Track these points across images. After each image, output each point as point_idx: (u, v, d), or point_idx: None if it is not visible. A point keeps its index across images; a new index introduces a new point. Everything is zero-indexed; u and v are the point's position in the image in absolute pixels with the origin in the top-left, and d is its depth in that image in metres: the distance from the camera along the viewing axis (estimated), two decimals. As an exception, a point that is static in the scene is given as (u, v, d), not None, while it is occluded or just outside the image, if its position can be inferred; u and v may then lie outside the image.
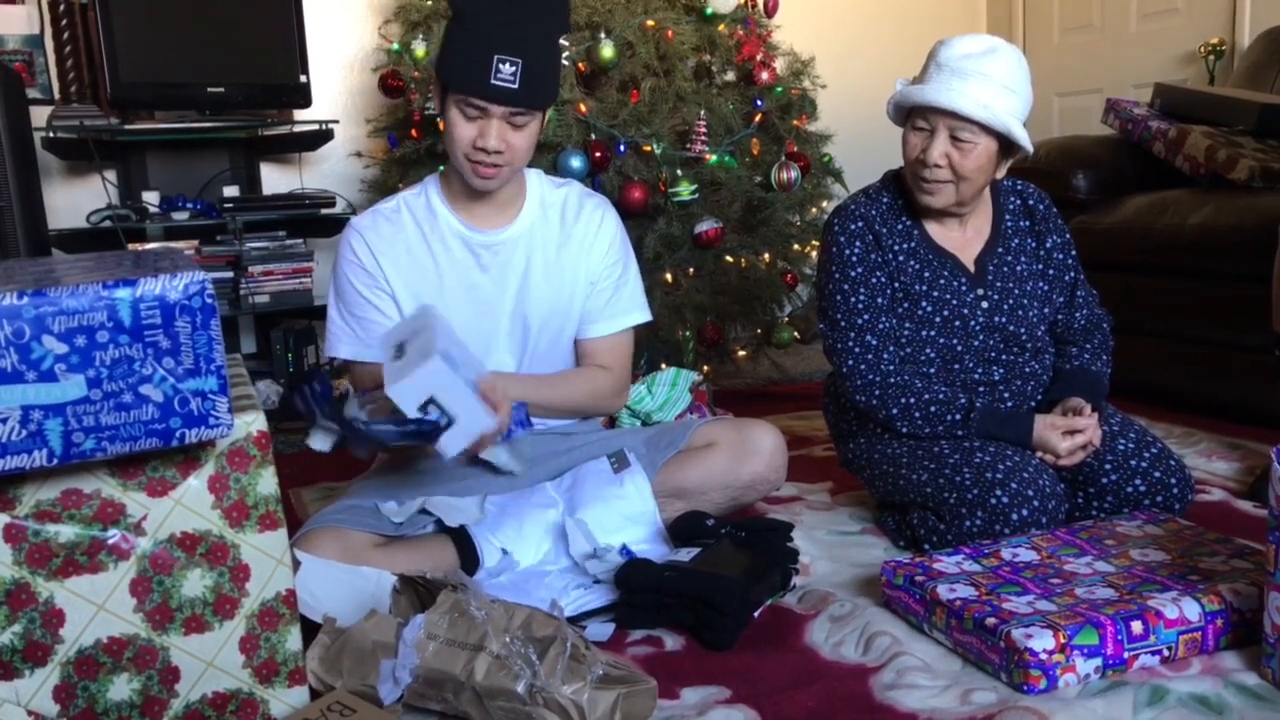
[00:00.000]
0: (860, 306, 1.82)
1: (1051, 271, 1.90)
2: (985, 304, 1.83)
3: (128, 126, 2.98)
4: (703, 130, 2.81)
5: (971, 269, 1.85)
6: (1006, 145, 1.76)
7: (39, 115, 3.00)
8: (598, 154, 2.68)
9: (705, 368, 2.98)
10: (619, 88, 2.83)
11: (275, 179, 3.48)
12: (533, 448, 1.82)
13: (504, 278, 1.75)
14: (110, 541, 1.03)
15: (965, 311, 1.82)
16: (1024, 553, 1.54)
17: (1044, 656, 1.26)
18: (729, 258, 2.93)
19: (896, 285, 1.83)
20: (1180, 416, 2.55)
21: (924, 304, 1.82)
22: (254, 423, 1.08)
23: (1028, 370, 1.85)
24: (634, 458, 1.76)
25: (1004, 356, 1.84)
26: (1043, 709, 1.23)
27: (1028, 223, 1.92)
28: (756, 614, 1.53)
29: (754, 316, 3.07)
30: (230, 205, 3.07)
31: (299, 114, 3.31)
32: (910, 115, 1.78)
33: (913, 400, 1.78)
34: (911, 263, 1.84)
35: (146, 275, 0.95)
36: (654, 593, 1.49)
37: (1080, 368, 1.87)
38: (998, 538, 1.63)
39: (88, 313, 0.92)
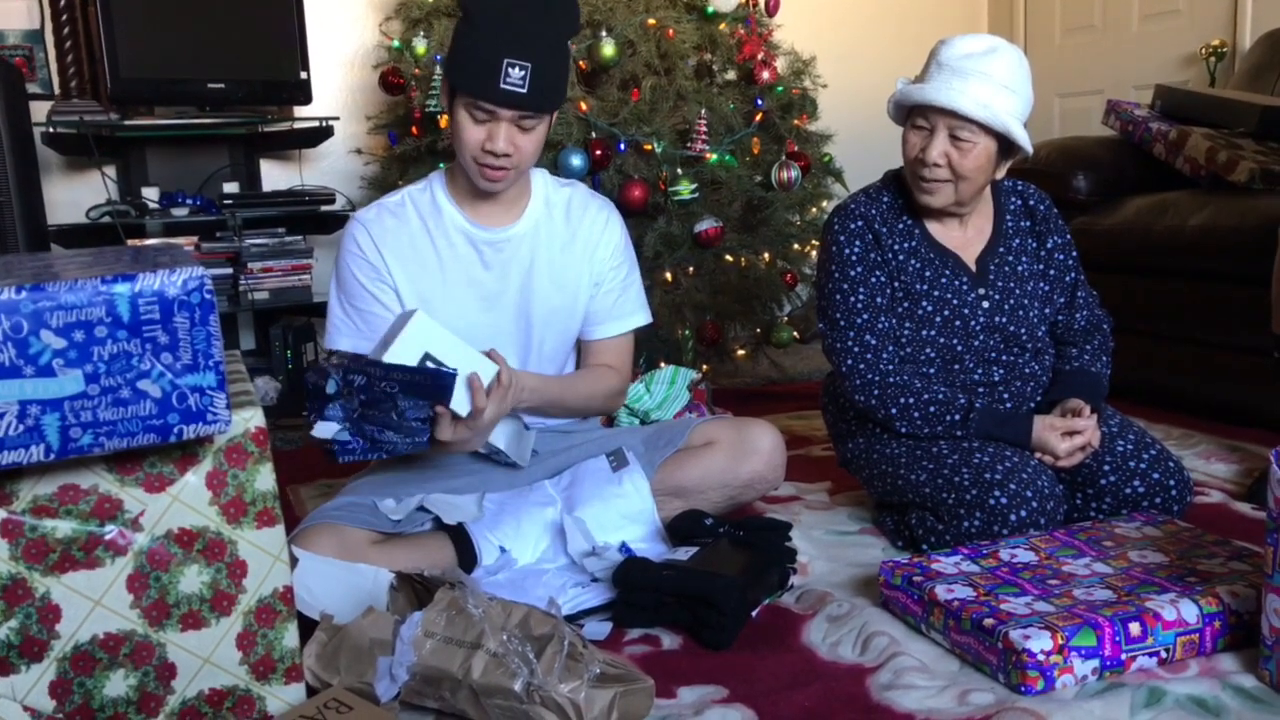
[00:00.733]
0: (859, 306, 1.82)
1: (1052, 272, 1.90)
2: (986, 304, 1.83)
3: (127, 122, 2.98)
4: (703, 129, 2.80)
5: (972, 268, 1.85)
6: (1006, 145, 1.75)
7: (39, 110, 3.00)
8: (598, 152, 2.68)
9: (704, 366, 2.98)
10: (620, 86, 2.83)
11: (275, 175, 3.48)
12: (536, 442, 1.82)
13: (507, 275, 1.75)
14: (107, 537, 1.03)
15: (966, 311, 1.82)
16: (1022, 554, 1.54)
17: (1042, 658, 1.26)
18: (729, 257, 2.93)
19: (897, 285, 1.83)
20: (1179, 418, 2.55)
21: (924, 303, 1.82)
22: (252, 419, 1.07)
23: (1027, 371, 1.85)
24: (633, 456, 1.76)
25: (1004, 357, 1.84)
26: (1040, 710, 1.23)
27: (1028, 223, 1.92)
28: (754, 613, 1.53)
29: (753, 316, 3.07)
30: (230, 202, 3.07)
31: (299, 110, 3.32)
32: (910, 114, 1.78)
33: (912, 400, 1.78)
34: (912, 262, 1.83)
35: (145, 270, 0.95)
36: (652, 591, 1.49)
37: (1080, 369, 1.87)
38: (996, 538, 1.63)
39: (86, 308, 0.92)
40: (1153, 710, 1.23)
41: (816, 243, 3.08)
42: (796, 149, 2.99)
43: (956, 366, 1.83)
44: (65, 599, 1.02)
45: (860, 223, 1.85)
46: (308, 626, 1.27)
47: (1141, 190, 2.82)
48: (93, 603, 1.03)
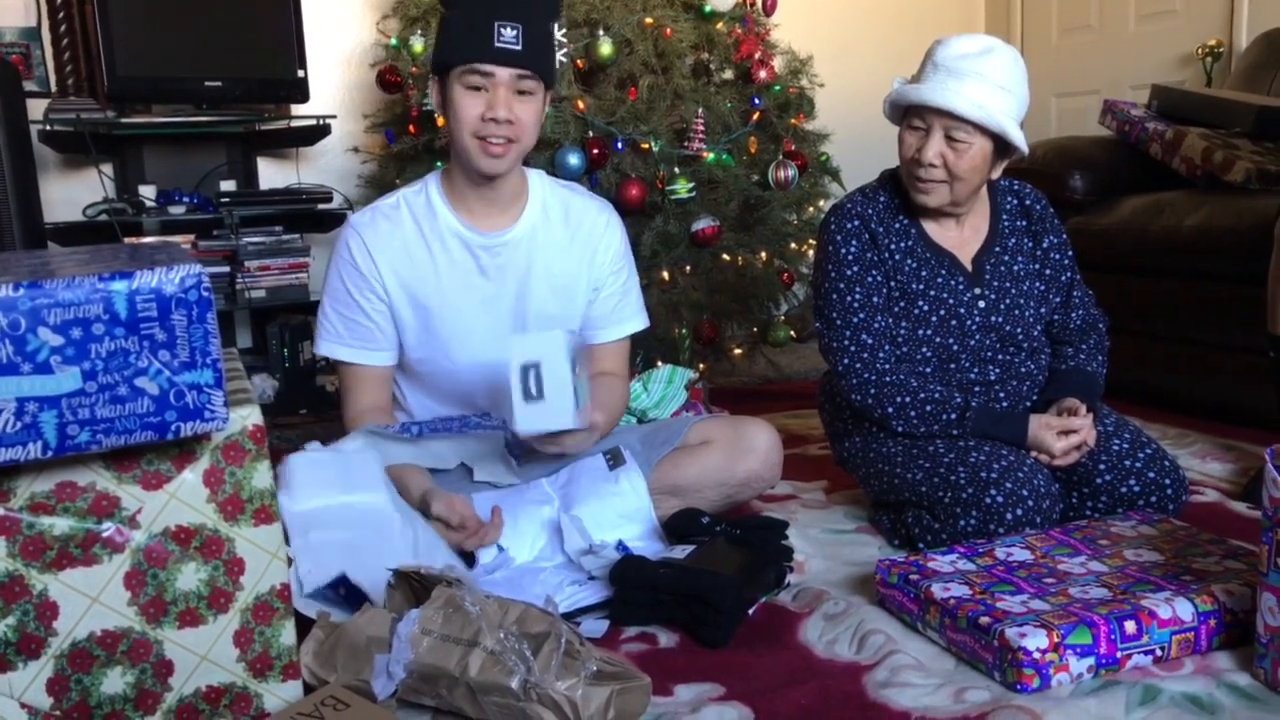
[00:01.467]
0: (856, 305, 1.82)
1: (1048, 271, 1.90)
2: (982, 303, 1.83)
3: (124, 120, 2.98)
4: (700, 128, 2.81)
5: (969, 268, 1.85)
6: (1002, 146, 1.76)
7: (36, 108, 2.99)
8: (595, 151, 2.68)
9: (701, 365, 2.98)
10: (617, 85, 2.83)
11: (272, 174, 3.47)
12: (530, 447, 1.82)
13: (504, 279, 1.75)
14: (105, 534, 1.03)
15: (962, 310, 1.82)
16: (1018, 552, 1.54)
17: (1037, 655, 1.26)
18: (726, 256, 2.93)
19: (893, 284, 1.83)
20: (1175, 417, 2.55)
21: (920, 303, 1.82)
22: (249, 416, 1.08)
23: (1023, 370, 1.86)
24: (629, 455, 1.76)
25: (1000, 356, 1.85)
26: (1036, 708, 1.23)
27: (1024, 222, 1.92)
28: (751, 612, 1.54)
29: (750, 315, 3.07)
30: (227, 200, 3.07)
31: (296, 109, 3.31)
32: (906, 114, 1.78)
33: (908, 399, 1.78)
34: (909, 261, 1.84)
35: (143, 268, 0.95)
36: (649, 589, 1.49)
37: (1076, 368, 1.87)
38: (992, 537, 1.63)
39: (84, 305, 0.92)
40: (1148, 708, 1.23)
41: (814, 242, 3.08)
42: (793, 148, 2.99)
43: (952, 366, 1.84)
44: (63, 596, 1.02)
45: (857, 222, 1.85)
46: (305, 625, 1.27)
47: (1138, 190, 2.82)
48: (90, 600, 1.03)
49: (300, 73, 3.16)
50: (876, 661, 1.38)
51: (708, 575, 1.48)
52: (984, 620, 1.32)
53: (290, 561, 1.46)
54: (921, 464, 1.76)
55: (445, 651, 1.20)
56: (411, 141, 2.95)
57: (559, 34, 2.65)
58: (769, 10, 3.08)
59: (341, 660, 1.22)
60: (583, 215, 1.81)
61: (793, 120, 3.05)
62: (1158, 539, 1.57)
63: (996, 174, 1.81)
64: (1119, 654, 1.30)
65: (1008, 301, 1.85)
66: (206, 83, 3.03)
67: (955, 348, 1.83)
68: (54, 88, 3.14)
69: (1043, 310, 1.90)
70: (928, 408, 1.78)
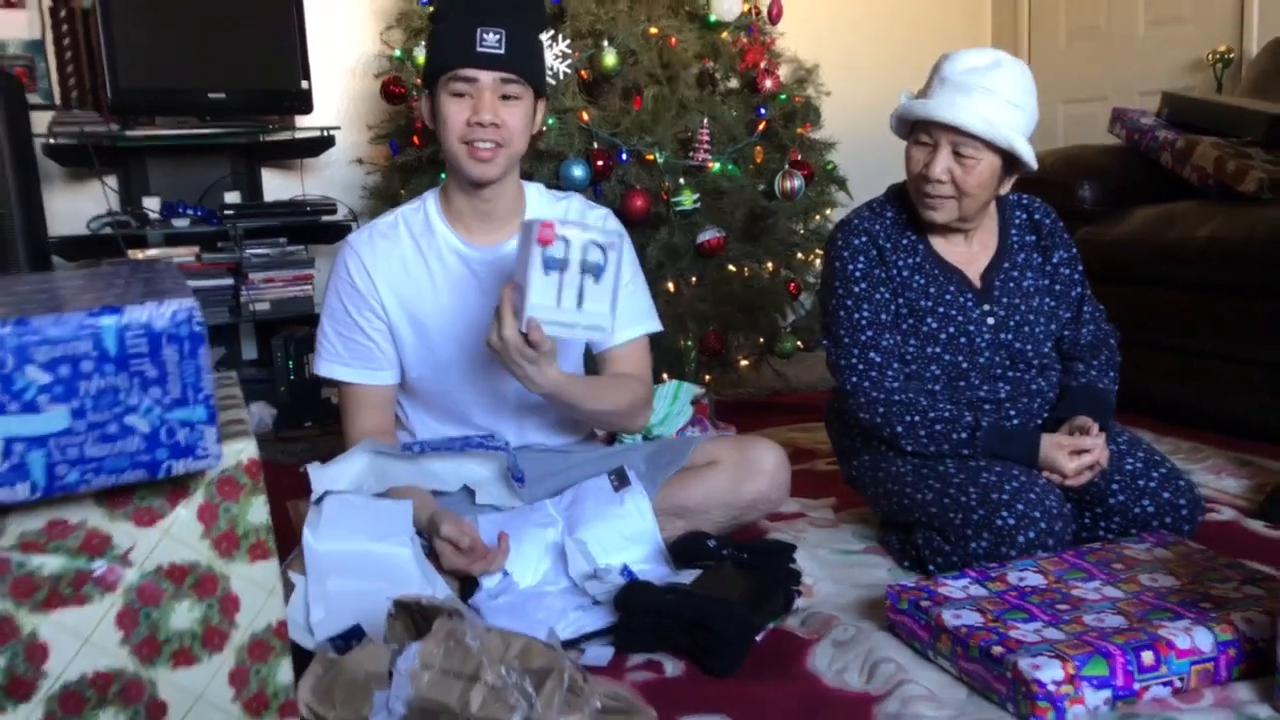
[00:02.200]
0: (864, 323, 1.80)
1: (1058, 287, 1.87)
2: (991, 320, 1.81)
3: (128, 133, 2.97)
4: (706, 139, 2.78)
5: (978, 284, 1.82)
6: (1010, 161, 1.73)
7: (40, 121, 2.99)
8: (600, 163, 2.65)
9: (707, 377, 2.95)
10: (621, 95, 2.80)
11: (276, 185, 3.46)
12: (532, 466, 1.80)
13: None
14: (96, 573, 1.01)
15: (971, 328, 1.79)
16: (1031, 576, 1.51)
17: (1052, 688, 1.23)
18: (731, 267, 2.91)
19: (901, 301, 1.81)
20: (1188, 431, 2.52)
21: (929, 320, 1.80)
22: (244, 450, 1.05)
23: (1034, 388, 1.83)
24: (634, 475, 1.74)
25: (1010, 374, 1.82)
26: (1050, 742, 1.20)
27: (1034, 237, 1.89)
28: (758, 638, 1.51)
29: (757, 325, 3.05)
30: (231, 212, 3.05)
31: (300, 120, 3.30)
32: (913, 129, 1.75)
33: (917, 418, 1.76)
34: (917, 278, 1.81)
35: (133, 302, 0.93)
36: (654, 616, 1.47)
37: (1087, 385, 1.84)
38: (1004, 560, 1.60)
39: (72, 342, 0.89)
40: (1165, 743, 1.20)
41: (820, 252, 3.06)
42: (800, 157, 2.96)
43: (962, 384, 1.81)
44: (53, 637, 0.99)
45: (864, 238, 1.82)
46: (302, 659, 1.24)
47: (1148, 200, 2.79)
48: (81, 640, 1.00)
49: (304, 84, 3.15)
50: (887, 692, 1.35)
51: (714, 601, 1.45)
52: (997, 650, 1.29)
53: (292, 587, 1.45)
54: (932, 484, 1.73)
55: (446, 687, 1.17)
56: (416, 153, 2.93)
57: (563, 45, 2.63)
58: (774, 19, 3.05)
59: (340, 696, 1.19)
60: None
61: (799, 130, 3.02)
62: (1174, 563, 1.54)
63: (1005, 189, 1.78)
64: (1136, 686, 1.27)
65: (1017, 318, 1.82)
66: (210, 94, 3.02)
67: (964, 365, 1.80)
68: (58, 100, 3.13)
69: (1053, 326, 1.87)
70: (937, 427, 1.75)
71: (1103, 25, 4.03)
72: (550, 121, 2.63)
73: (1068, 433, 1.75)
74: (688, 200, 2.71)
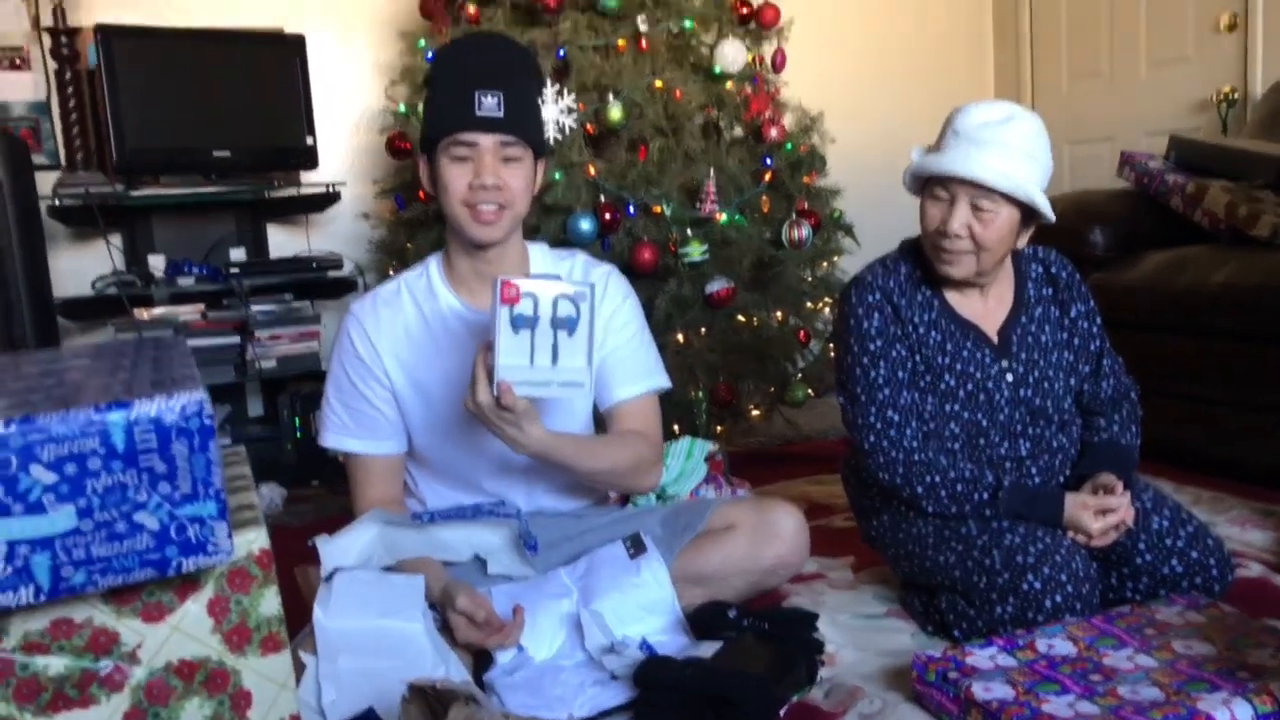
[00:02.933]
0: (880, 381, 1.77)
1: (1077, 341, 1.85)
2: (1010, 376, 1.78)
3: (133, 192, 2.96)
4: (712, 189, 2.77)
5: (995, 340, 1.79)
6: (1027, 214, 1.71)
7: (45, 182, 2.98)
8: (607, 216, 2.64)
9: (719, 428, 2.92)
10: (627, 148, 2.80)
11: (282, 241, 3.45)
12: (544, 531, 1.76)
13: None
14: (103, 673, 0.97)
15: (990, 385, 1.76)
16: (1060, 644, 1.47)
17: (1090, 768, 1.19)
18: (740, 317, 2.89)
19: (918, 358, 1.78)
20: (1208, 480, 2.47)
21: (946, 377, 1.77)
22: (255, 541, 1.02)
23: (1055, 444, 1.79)
24: (650, 542, 1.70)
25: (1030, 430, 1.78)
26: (1090, 827, 1.16)
27: (1050, 290, 1.87)
28: (782, 712, 1.47)
29: (767, 374, 3.02)
30: (236, 269, 3.04)
31: (306, 176, 3.30)
32: (928, 185, 1.73)
33: (938, 478, 1.72)
34: (933, 334, 1.78)
35: (141, 393, 0.90)
36: (675, 691, 1.42)
37: (1109, 441, 1.81)
38: (1030, 625, 1.56)
39: (79, 439, 0.87)
40: (1210, 825, 1.16)
41: (829, 299, 3.04)
42: (806, 206, 2.95)
43: (982, 441, 1.78)
44: (58, 739, 0.96)
45: (878, 295, 1.80)
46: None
47: (1159, 244, 2.77)
48: (87, 743, 0.97)
49: (309, 140, 3.15)
50: (917, 771, 1.30)
51: (736, 676, 1.41)
52: (1030, 728, 1.25)
53: (303, 667, 1.41)
54: (954, 546, 1.69)
55: (463, 778, 1.13)
56: (421, 207, 2.93)
57: (568, 99, 2.62)
58: (778, 69, 3.05)
59: (354, 788, 1.16)
60: (584, 279, 1.77)
61: (805, 178, 3.01)
62: (1207, 627, 1.50)
63: (1022, 243, 1.76)
64: (1176, 764, 1.23)
65: (1036, 374, 1.79)
66: (215, 153, 3.02)
67: (984, 423, 1.77)
68: (63, 161, 3.13)
69: (1072, 381, 1.84)
70: (958, 487, 1.71)
71: (1105, 68, 4.03)
72: (557, 175, 2.63)
73: (1091, 491, 1.71)
74: (696, 251, 2.70)
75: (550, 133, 2.61)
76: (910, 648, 1.65)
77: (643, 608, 1.64)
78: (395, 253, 3.10)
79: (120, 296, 2.88)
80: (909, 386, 1.77)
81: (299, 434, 3.11)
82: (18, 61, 3.17)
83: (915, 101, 4.22)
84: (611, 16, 2.77)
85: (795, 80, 3.16)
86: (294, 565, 1.97)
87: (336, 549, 1.54)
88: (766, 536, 1.73)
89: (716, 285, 2.75)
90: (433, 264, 1.75)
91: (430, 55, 1.58)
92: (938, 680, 1.42)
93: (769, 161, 2.92)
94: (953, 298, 1.81)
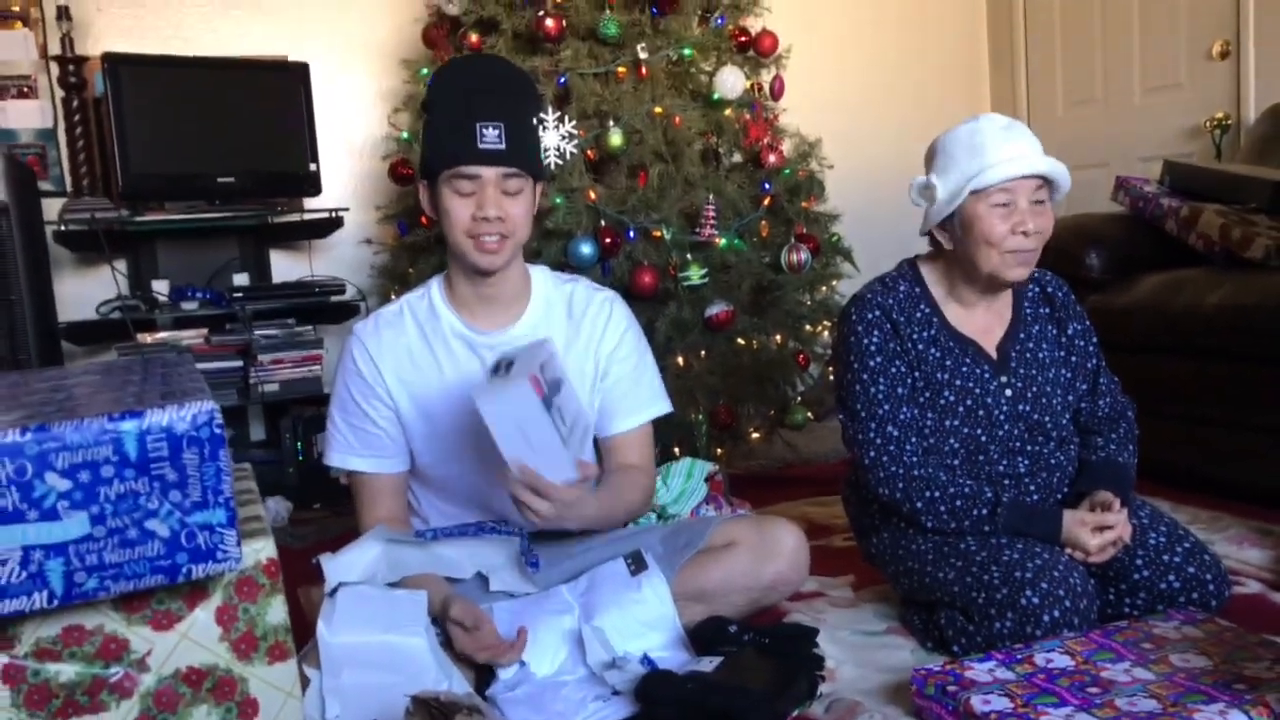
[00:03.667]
0: (880, 397, 1.79)
1: (1074, 359, 1.87)
2: (1009, 391, 1.80)
3: (138, 217, 2.99)
4: (711, 214, 2.80)
5: (993, 356, 1.82)
6: None
7: (51, 208, 3.02)
8: (608, 240, 2.67)
9: (719, 450, 2.94)
10: (627, 173, 2.83)
11: (285, 266, 3.48)
12: (546, 549, 1.78)
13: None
14: (113, 680, 0.99)
15: (989, 400, 1.78)
16: (1058, 658, 1.48)
17: (1088, 778, 1.20)
18: (740, 340, 2.91)
19: (917, 374, 1.80)
20: (1205, 500, 2.49)
21: (946, 393, 1.79)
22: (263, 550, 1.04)
23: (1053, 462, 1.81)
24: (651, 559, 1.72)
25: (1029, 447, 1.80)
26: (1090, 836, 1.17)
27: (1047, 309, 1.89)
28: (783, 727, 1.48)
29: (766, 397, 3.04)
30: (240, 294, 3.07)
31: (309, 202, 3.33)
32: (977, 198, 1.72)
33: (938, 494, 1.74)
34: (932, 350, 1.80)
35: (153, 404, 0.92)
36: (676, 706, 1.44)
37: (1107, 459, 1.83)
38: (1029, 640, 1.57)
39: (92, 447, 0.89)
40: (1208, 834, 1.17)
41: (828, 323, 3.06)
42: (804, 231, 2.98)
43: (981, 458, 1.79)
44: (68, 746, 0.98)
45: (878, 312, 1.82)
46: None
47: (1154, 267, 2.79)
48: (97, 750, 0.98)
49: (312, 166, 3.18)
50: (917, 783, 1.31)
51: (737, 690, 1.42)
52: (1029, 739, 1.26)
53: (306, 682, 1.42)
54: (953, 562, 1.70)
55: (467, 788, 1.14)
56: (424, 232, 2.96)
57: (569, 126, 2.66)
58: (776, 95, 3.09)
59: (359, 799, 1.16)
60: (585, 306, 1.80)
61: (803, 203, 3.04)
62: (1204, 641, 1.51)
63: None
64: (1174, 774, 1.24)
65: (1034, 390, 1.81)
66: (220, 179, 3.05)
67: (984, 438, 1.79)
68: (69, 187, 3.17)
69: (1070, 398, 1.86)
70: (958, 503, 1.73)
71: (1100, 95, 4.08)
72: (558, 200, 2.66)
73: (1089, 508, 1.73)
74: (695, 275, 2.73)
75: (551, 159, 2.64)
76: (910, 664, 1.65)
77: (644, 624, 1.65)
78: (397, 277, 3.13)
79: (124, 320, 2.91)
80: (909, 402, 1.79)
81: (300, 457, 3.12)
82: (25, 90, 3.21)
83: (912, 128, 4.22)
84: (612, 44, 2.81)
85: (793, 107, 3.20)
86: (296, 586, 1.98)
87: (340, 566, 1.55)
88: (767, 553, 1.74)
89: (716, 308, 2.77)
90: (434, 286, 1.78)
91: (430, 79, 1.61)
92: (937, 693, 1.43)
93: (768, 187, 2.96)
94: (952, 315, 1.84)
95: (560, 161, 2.67)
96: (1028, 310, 1.87)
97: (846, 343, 1.84)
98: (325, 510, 2.99)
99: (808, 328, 3.06)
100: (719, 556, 1.74)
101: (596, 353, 1.79)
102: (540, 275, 1.81)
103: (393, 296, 2.95)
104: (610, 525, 1.78)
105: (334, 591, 1.50)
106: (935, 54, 4.47)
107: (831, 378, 2.94)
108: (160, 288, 3.07)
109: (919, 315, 1.83)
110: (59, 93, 3.14)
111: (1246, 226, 2.58)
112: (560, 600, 1.69)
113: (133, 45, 3.28)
